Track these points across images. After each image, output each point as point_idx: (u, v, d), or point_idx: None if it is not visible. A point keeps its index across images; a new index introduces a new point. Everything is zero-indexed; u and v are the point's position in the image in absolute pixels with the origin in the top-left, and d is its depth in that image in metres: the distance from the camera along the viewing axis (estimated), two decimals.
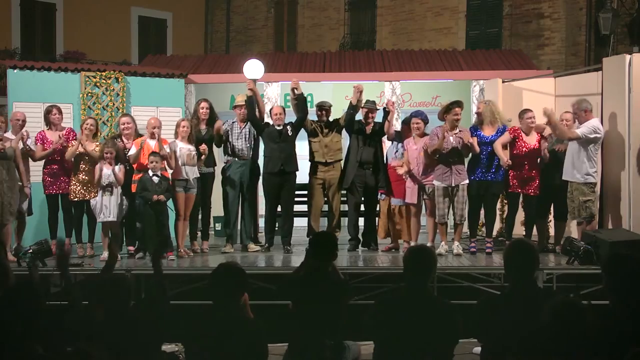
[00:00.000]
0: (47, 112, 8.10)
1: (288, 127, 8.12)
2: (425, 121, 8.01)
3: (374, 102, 8.38)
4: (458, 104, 7.76)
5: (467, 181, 7.64)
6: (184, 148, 7.80)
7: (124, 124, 8.02)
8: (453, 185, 7.60)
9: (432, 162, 7.69)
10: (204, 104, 8.30)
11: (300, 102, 8.12)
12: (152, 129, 7.80)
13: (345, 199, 8.36)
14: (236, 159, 8.18)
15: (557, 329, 3.11)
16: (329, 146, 8.12)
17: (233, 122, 8.29)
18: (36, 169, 8.24)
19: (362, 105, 8.20)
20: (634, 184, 7.63)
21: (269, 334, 3.80)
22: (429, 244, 7.51)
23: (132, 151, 7.70)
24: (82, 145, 7.68)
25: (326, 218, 8.41)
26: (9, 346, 3.08)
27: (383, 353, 3.93)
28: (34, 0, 15.89)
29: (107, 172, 7.54)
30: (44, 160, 7.96)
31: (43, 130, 8.13)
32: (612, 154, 7.89)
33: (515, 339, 3.51)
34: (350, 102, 8.18)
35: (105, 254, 7.59)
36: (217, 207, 8.74)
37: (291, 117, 8.40)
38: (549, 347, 3.17)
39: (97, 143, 7.92)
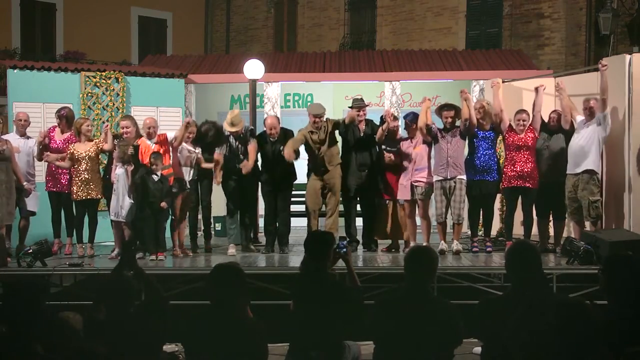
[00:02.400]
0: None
1: (281, 147, 7.92)
2: (414, 121, 8.03)
3: (361, 100, 8.32)
4: (448, 107, 7.88)
5: (464, 176, 7.68)
6: (185, 149, 7.83)
7: (123, 127, 7.96)
8: (449, 177, 7.64)
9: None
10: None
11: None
12: (147, 129, 7.79)
13: (341, 199, 8.35)
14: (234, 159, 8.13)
15: (562, 329, 3.10)
16: (328, 156, 8.00)
17: (227, 137, 8.00)
18: (37, 169, 8.25)
19: (350, 106, 8.15)
20: (634, 184, 7.64)
21: (269, 334, 3.80)
22: (424, 244, 7.51)
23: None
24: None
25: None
26: (9, 346, 3.08)
27: (383, 353, 3.93)
28: (34, 0, 15.89)
29: (117, 172, 7.57)
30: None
31: (54, 127, 8.15)
32: (612, 154, 7.89)
33: (517, 339, 3.52)
34: (343, 121, 8.02)
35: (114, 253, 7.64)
36: (217, 207, 8.74)
37: (287, 120, 8.36)
38: (552, 348, 3.17)
39: (100, 142, 7.94)
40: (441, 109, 7.92)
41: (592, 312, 3.14)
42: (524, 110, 7.97)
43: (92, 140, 7.88)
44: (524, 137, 7.79)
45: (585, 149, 7.47)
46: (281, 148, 7.90)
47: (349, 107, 8.28)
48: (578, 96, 8.03)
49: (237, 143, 7.99)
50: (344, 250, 4.67)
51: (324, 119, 8.05)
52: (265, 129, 8.11)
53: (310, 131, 7.93)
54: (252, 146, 7.95)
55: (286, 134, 8.05)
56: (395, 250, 8.14)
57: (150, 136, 7.76)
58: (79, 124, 7.91)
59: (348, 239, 8.11)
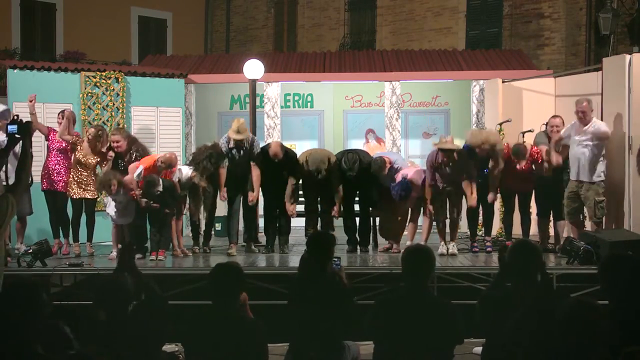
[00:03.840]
0: (57, 115, 8.11)
1: (284, 171, 7.93)
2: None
3: (355, 164, 7.88)
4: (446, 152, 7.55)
5: None
6: (183, 170, 7.91)
7: (114, 142, 7.84)
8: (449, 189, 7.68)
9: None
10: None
11: None
12: (167, 166, 7.58)
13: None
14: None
15: (570, 329, 3.10)
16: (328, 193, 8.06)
17: (231, 149, 7.95)
18: (36, 169, 8.24)
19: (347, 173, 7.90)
20: (634, 184, 7.63)
21: (269, 334, 3.81)
22: (421, 243, 7.51)
23: (136, 173, 7.61)
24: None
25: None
26: (9, 346, 3.08)
27: (383, 353, 3.93)
28: (34, 0, 15.88)
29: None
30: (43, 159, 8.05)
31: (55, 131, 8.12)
32: (612, 154, 7.88)
33: (518, 339, 3.52)
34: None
35: (114, 253, 7.62)
36: (217, 207, 8.72)
37: (287, 120, 8.34)
38: (554, 347, 3.17)
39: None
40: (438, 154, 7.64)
41: (603, 312, 3.13)
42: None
43: (101, 153, 7.87)
44: (524, 166, 7.75)
45: (592, 161, 7.39)
46: (283, 172, 7.90)
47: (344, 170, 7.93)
48: (578, 96, 8.03)
49: (239, 154, 7.95)
50: (338, 267, 4.75)
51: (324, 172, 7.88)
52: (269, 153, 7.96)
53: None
54: (256, 174, 7.92)
55: (288, 157, 7.98)
56: (392, 250, 8.13)
57: (164, 169, 7.61)
58: (88, 133, 7.98)
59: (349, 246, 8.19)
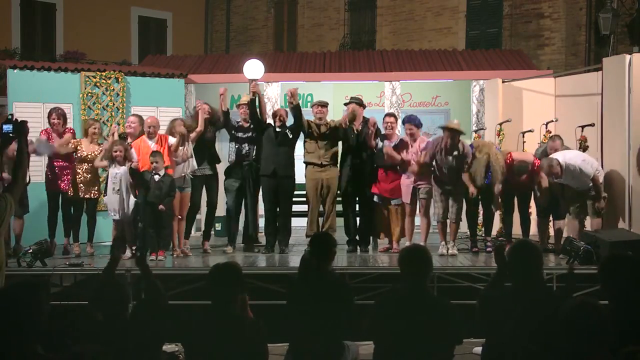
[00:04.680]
0: (48, 115, 8.08)
1: (288, 131, 8.06)
2: (419, 126, 8.03)
3: (358, 99, 8.43)
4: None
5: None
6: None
7: (129, 122, 8.05)
8: (449, 187, 7.66)
9: (426, 172, 7.73)
10: (205, 106, 8.23)
11: (296, 111, 8.05)
12: (148, 127, 7.81)
13: (340, 198, 8.35)
14: (240, 160, 8.13)
15: (573, 329, 3.09)
16: (326, 152, 8.08)
17: (238, 123, 8.18)
18: (36, 169, 8.24)
19: (348, 103, 8.37)
20: (634, 184, 7.63)
21: (269, 334, 3.81)
22: (421, 244, 7.49)
23: (133, 157, 7.70)
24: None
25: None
26: (9, 346, 3.08)
27: (383, 353, 3.93)
28: (34, 0, 15.88)
29: (116, 171, 7.56)
30: (46, 158, 8.03)
31: (48, 129, 8.07)
32: (612, 154, 7.90)
33: (519, 338, 3.52)
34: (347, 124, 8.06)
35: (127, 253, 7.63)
36: (217, 207, 8.73)
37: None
38: (554, 346, 3.16)
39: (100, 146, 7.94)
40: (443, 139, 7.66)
41: (606, 313, 3.13)
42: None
43: (99, 145, 7.89)
44: (525, 178, 7.73)
45: (584, 181, 7.37)
46: (290, 135, 8.06)
47: (346, 104, 8.47)
48: (578, 96, 8.03)
49: (245, 136, 8.04)
50: None
51: (328, 117, 8.28)
52: (272, 119, 8.24)
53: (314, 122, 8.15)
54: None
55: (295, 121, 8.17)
56: (391, 250, 8.12)
57: (150, 135, 7.77)
58: (88, 125, 8.00)
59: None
